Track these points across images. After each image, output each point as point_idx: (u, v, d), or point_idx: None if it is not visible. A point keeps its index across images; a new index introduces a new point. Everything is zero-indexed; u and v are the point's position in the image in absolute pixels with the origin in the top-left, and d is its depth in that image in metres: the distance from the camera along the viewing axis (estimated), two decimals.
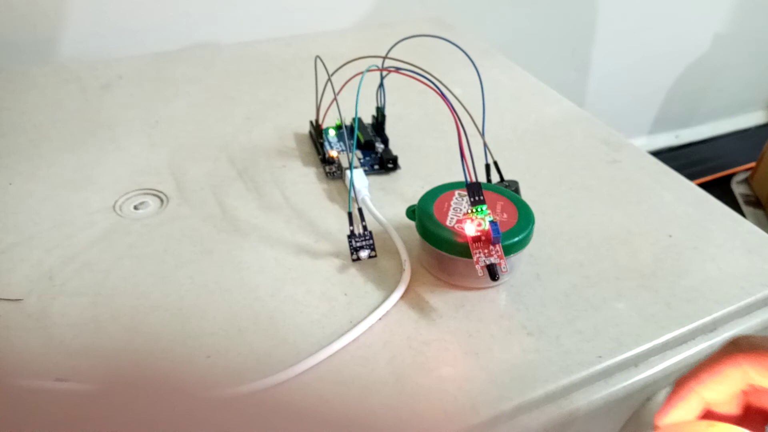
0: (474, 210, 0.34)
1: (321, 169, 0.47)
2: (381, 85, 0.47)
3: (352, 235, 0.38)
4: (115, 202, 0.43)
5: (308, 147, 0.50)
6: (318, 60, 0.45)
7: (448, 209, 0.36)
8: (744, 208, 1.20)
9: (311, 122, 0.51)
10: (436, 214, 0.36)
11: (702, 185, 0.46)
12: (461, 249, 0.34)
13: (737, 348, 0.24)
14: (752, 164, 1.28)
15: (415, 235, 0.38)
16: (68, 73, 0.60)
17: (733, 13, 1.25)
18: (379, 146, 0.49)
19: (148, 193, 0.44)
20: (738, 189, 1.26)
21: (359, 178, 0.43)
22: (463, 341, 0.33)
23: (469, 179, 0.34)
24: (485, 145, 0.42)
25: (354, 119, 0.38)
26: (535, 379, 0.31)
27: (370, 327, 0.33)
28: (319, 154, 0.48)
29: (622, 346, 0.33)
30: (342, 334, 0.33)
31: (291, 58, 0.66)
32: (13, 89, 0.57)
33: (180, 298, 0.35)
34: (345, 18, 0.87)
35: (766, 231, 0.41)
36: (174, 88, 0.59)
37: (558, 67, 1.13)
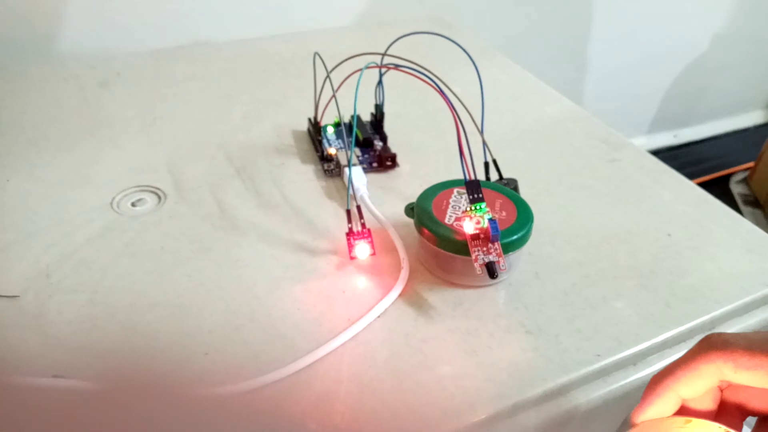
0: (473, 208, 0.34)
1: (319, 167, 0.47)
2: (380, 82, 0.47)
3: (350, 233, 0.37)
4: (113, 199, 0.43)
5: (306, 144, 0.50)
6: (317, 57, 0.45)
7: (446, 207, 0.36)
8: (742, 207, 1.21)
9: (309, 119, 0.51)
10: (435, 212, 0.36)
11: (701, 185, 0.46)
12: (460, 247, 0.34)
13: (710, 345, 0.24)
14: (751, 164, 1.28)
15: (414, 233, 0.37)
16: (66, 71, 0.60)
17: (733, 13, 1.25)
18: (378, 144, 0.49)
19: (145, 190, 0.44)
20: (736, 189, 1.26)
21: (358, 175, 0.43)
22: (461, 339, 0.33)
23: (468, 177, 0.34)
24: (484, 143, 0.42)
25: (353, 116, 0.38)
26: (534, 378, 0.31)
27: (369, 325, 0.33)
28: (317, 151, 0.48)
29: (621, 345, 0.33)
30: (340, 332, 0.33)
31: (290, 56, 0.65)
32: (10, 87, 0.57)
33: (177, 295, 0.35)
34: (344, 16, 0.87)
35: (764, 230, 0.41)
36: (172, 85, 0.59)
37: (558, 67, 1.13)
